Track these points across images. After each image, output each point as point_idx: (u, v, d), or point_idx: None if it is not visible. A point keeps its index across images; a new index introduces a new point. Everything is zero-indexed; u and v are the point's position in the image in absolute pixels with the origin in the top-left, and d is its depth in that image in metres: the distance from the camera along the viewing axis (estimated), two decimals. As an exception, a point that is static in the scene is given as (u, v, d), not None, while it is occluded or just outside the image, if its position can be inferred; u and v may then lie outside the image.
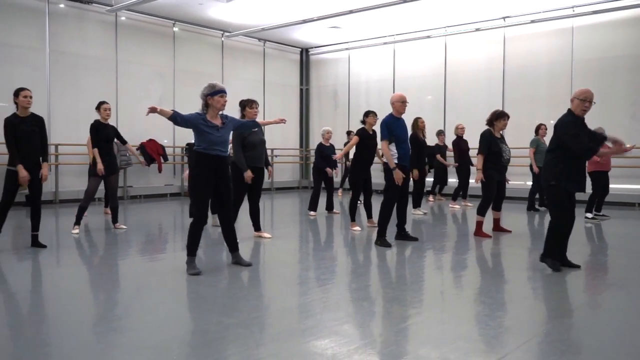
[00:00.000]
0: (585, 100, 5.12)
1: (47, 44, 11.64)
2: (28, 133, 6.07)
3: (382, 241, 6.61)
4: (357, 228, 7.83)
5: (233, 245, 5.44)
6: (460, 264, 5.72)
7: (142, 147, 12.60)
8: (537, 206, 10.59)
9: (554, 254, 5.27)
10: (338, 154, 9.80)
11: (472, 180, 11.41)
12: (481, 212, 7.29)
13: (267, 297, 4.46)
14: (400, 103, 6.55)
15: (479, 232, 7.34)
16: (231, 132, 5.34)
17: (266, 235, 7.18)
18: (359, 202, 8.78)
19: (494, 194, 7.21)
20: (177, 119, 4.88)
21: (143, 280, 4.91)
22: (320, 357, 3.08)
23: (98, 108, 7.56)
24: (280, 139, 16.86)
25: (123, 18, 12.91)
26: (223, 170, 5.13)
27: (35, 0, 11.47)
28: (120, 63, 12.82)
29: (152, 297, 4.41)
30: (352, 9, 12.25)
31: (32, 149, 6.12)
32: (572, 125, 5.04)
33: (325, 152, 9.82)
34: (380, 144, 6.75)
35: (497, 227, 7.70)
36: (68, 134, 11.61)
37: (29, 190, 6.35)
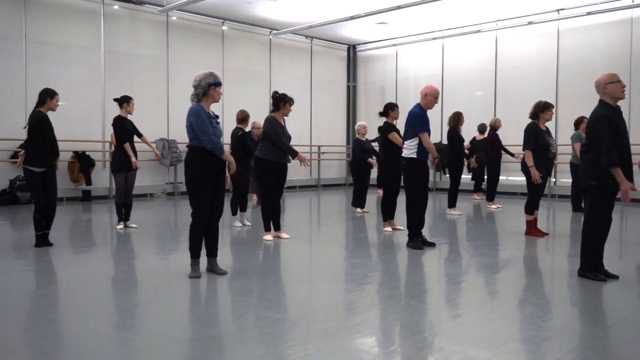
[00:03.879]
0: (618, 81, 4.65)
1: (102, 45, 12.04)
2: (52, 132, 6.20)
3: (413, 243, 6.34)
4: (389, 229, 7.52)
5: (212, 250, 4.98)
6: (505, 264, 5.59)
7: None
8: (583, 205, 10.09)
9: (593, 264, 4.77)
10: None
11: (502, 177, 11.08)
12: (529, 210, 7.05)
13: (312, 294, 4.49)
14: (433, 98, 6.33)
15: (530, 231, 7.11)
16: None
17: (284, 235, 6.89)
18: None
19: (542, 189, 6.94)
20: (210, 139, 4.64)
21: (180, 276, 5.00)
22: (367, 355, 3.07)
23: (127, 102, 7.43)
24: (327, 136, 16.89)
25: (174, 18, 13.22)
26: (223, 166, 4.87)
27: (91, 3, 11.90)
28: (171, 62, 13.13)
29: (198, 291, 4.50)
30: (400, 4, 12.12)
31: (55, 148, 6.26)
32: (605, 121, 4.52)
33: (364, 147, 9.67)
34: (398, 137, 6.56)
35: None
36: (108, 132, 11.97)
37: (45, 190, 6.26)
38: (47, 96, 6.14)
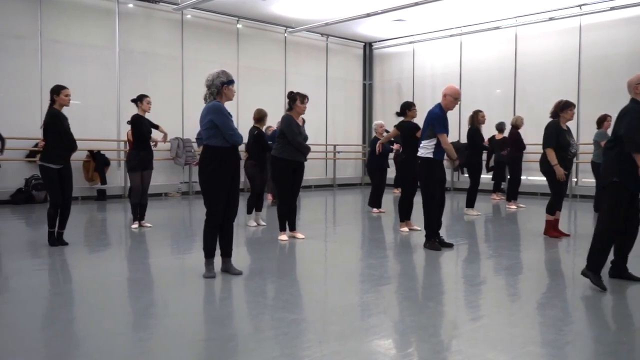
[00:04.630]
0: None
1: (117, 43, 12.16)
2: (66, 128, 6.23)
3: (430, 244, 6.29)
4: (405, 229, 7.48)
5: (227, 250, 5.00)
6: (525, 266, 5.54)
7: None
8: None
9: (600, 268, 4.56)
10: (378, 144, 8.90)
11: (523, 177, 10.95)
12: (551, 210, 6.99)
13: (328, 295, 4.50)
14: (453, 99, 6.27)
15: (549, 231, 7.05)
16: None
17: (299, 235, 6.90)
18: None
19: (565, 189, 6.87)
20: (235, 133, 4.70)
21: (195, 275, 5.03)
22: (383, 357, 3.07)
23: (140, 101, 7.52)
24: (343, 135, 16.88)
25: (189, 16, 13.30)
26: (237, 166, 4.85)
27: (106, 1, 12.02)
28: (185, 60, 13.22)
29: (213, 291, 4.53)
30: (417, 1, 12.08)
31: (72, 144, 6.31)
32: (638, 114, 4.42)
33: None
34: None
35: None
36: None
37: (60, 189, 6.32)
38: (54, 93, 6.19)
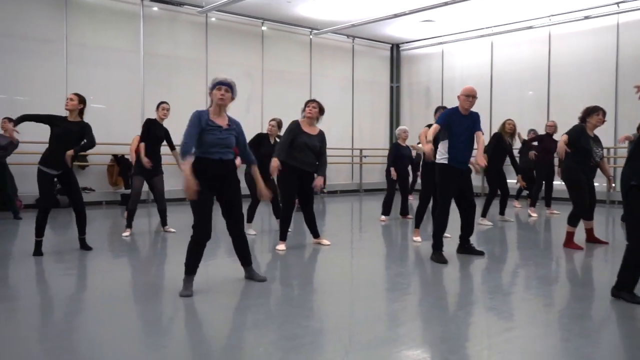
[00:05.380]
0: None
1: (141, 47, 12.37)
2: (68, 136, 6.08)
3: (437, 256, 5.99)
4: (418, 239, 7.28)
5: (246, 259, 4.99)
6: (559, 275, 5.44)
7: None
8: None
9: (633, 284, 4.30)
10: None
11: (556, 182, 10.69)
12: (572, 221, 6.74)
13: (354, 303, 4.48)
14: (464, 97, 5.95)
15: (569, 243, 6.81)
16: (234, 137, 4.72)
17: (325, 242, 6.93)
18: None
19: (586, 199, 6.63)
20: (182, 144, 4.45)
21: (219, 282, 5.07)
22: (412, 368, 3.05)
23: (157, 108, 7.70)
24: (370, 139, 16.85)
25: (213, 19, 13.46)
26: (227, 175, 4.66)
27: (131, 4, 12.24)
28: (210, 64, 13.37)
29: (236, 298, 4.55)
30: (446, 1, 12.01)
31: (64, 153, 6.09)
32: None
33: (400, 152, 9.57)
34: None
35: (591, 237, 7.09)
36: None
37: (68, 196, 6.41)
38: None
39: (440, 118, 6.11)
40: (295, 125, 6.55)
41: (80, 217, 6.38)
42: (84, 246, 6.44)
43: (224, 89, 4.65)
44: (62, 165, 6.10)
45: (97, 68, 11.68)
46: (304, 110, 6.65)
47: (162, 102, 7.73)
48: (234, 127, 4.73)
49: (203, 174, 4.49)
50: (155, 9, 12.62)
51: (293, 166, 6.48)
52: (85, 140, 6.14)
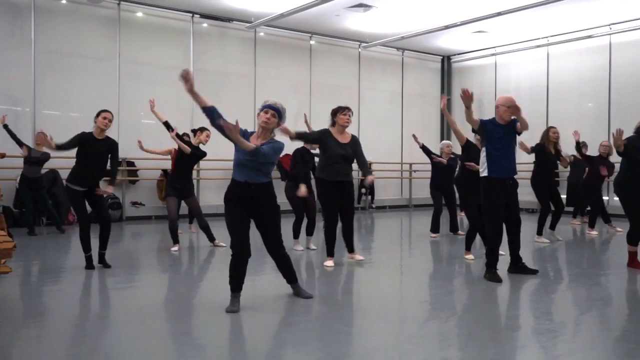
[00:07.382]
0: None
1: (191, 63, 12.69)
2: (98, 155, 6.22)
3: (491, 274, 5.80)
4: (470, 256, 7.13)
5: (291, 277, 5.02)
6: (620, 297, 5.23)
7: (279, 163, 13.14)
8: None
9: None
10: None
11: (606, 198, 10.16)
12: (632, 240, 6.42)
13: (403, 323, 4.43)
14: (505, 107, 5.76)
15: (633, 262, 6.47)
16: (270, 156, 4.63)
17: (359, 257, 6.87)
18: None
19: None
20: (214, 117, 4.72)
21: (267, 298, 5.09)
22: (464, 391, 2.99)
23: (201, 131, 8.09)
24: (420, 153, 16.58)
25: (262, 34, 13.71)
26: (259, 196, 4.64)
27: (181, 22, 12.61)
28: (258, 78, 13.60)
29: (282, 315, 4.58)
30: (500, 11, 11.86)
31: (95, 171, 6.28)
32: None
33: (439, 166, 9.46)
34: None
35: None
36: (209, 150, 12.50)
37: (93, 208, 6.41)
38: (95, 116, 6.29)
39: (481, 120, 6.00)
40: (325, 134, 6.53)
41: (104, 230, 6.42)
42: (103, 262, 6.41)
43: (271, 113, 4.63)
44: (90, 182, 6.26)
45: (148, 85, 12.03)
46: (333, 117, 6.58)
47: (204, 129, 7.97)
48: (271, 141, 4.65)
49: (232, 194, 4.65)
50: (205, 25, 12.97)
51: (324, 180, 6.48)
52: (111, 164, 6.37)
